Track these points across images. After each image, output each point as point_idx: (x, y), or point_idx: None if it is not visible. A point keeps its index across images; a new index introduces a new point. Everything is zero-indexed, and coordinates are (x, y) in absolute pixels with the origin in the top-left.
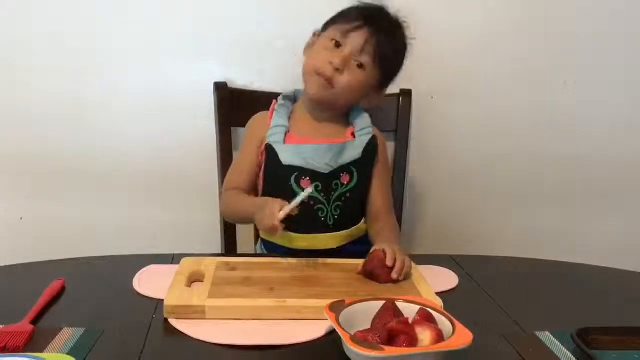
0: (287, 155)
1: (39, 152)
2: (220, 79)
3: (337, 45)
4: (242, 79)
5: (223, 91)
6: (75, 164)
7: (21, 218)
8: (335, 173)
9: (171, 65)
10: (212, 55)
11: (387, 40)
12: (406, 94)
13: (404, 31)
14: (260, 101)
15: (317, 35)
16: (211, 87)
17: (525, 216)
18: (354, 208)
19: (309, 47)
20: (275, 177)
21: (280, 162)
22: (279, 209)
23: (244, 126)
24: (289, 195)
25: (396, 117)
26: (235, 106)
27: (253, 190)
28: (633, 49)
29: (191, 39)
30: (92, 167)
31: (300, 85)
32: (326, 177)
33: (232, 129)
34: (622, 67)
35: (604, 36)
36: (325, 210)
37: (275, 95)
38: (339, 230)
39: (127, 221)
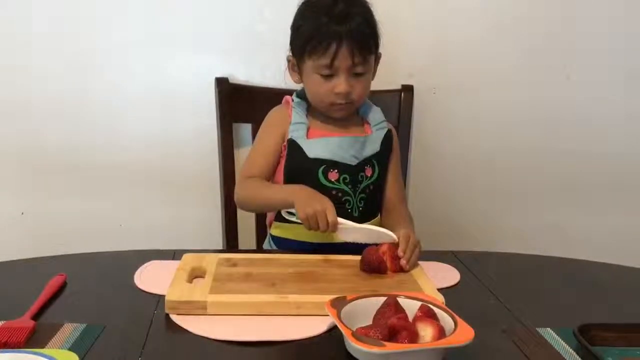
0: (313, 149)
1: (40, 148)
2: (221, 74)
3: (328, 75)
4: (243, 75)
5: (224, 86)
6: (76, 159)
7: (22, 213)
8: (361, 165)
9: (172, 60)
10: (213, 50)
11: (363, 34)
12: (408, 89)
13: (362, 3)
14: (261, 97)
15: (292, 62)
16: (212, 83)
17: (526, 212)
18: (375, 200)
19: (292, 71)
20: (300, 172)
21: (305, 155)
22: (332, 209)
23: (245, 122)
24: (316, 189)
25: (397, 112)
26: (236, 102)
27: (270, 181)
28: (633, 44)
29: (192, 34)
30: (93, 162)
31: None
32: (353, 169)
33: (234, 124)
34: (622, 65)
35: (603, 34)
36: (352, 202)
37: (276, 91)
38: (362, 223)
39: (128, 217)
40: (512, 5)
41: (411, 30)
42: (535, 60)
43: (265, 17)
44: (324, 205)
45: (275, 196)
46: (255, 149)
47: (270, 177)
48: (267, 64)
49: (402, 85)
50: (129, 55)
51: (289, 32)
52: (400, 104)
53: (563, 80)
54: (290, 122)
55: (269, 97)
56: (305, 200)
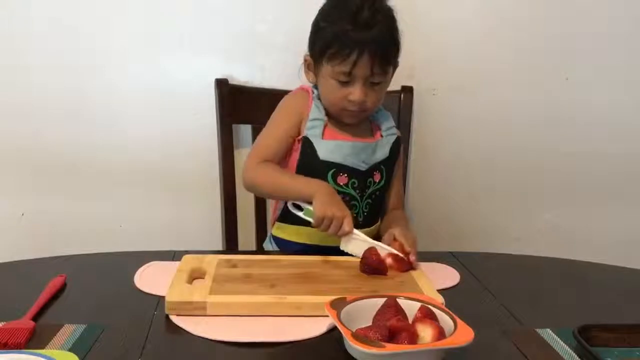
0: (325, 151)
1: (40, 150)
2: (221, 75)
3: (345, 82)
4: (243, 76)
5: (224, 88)
6: (76, 161)
7: (22, 214)
8: (370, 171)
9: (172, 61)
10: (213, 51)
11: (385, 46)
12: (407, 90)
13: (388, 11)
14: (261, 98)
15: (308, 61)
16: (212, 84)
17: (526, 212)
18: (380, 205)
19: (308, 70)
20: (311, 171)
21: (317, 156)
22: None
23: (245, 123)
24: None
25: (397, 113)
26: (236, 103)
27: (281, 166)
28: (633, 44)
29: (192, 35)
30: (93, 164)
31: (302, 80)
32: (362, 174)
33: (233, 125)
34: (622, 65)
35: (604, 34)
36: (358, 207)
37: (276, 92)
38: (366, 227)
39: (128, 218)
40: (512, 6)
41: (411, 31)
42: (535, 60)
43: (265, 18)
44: (344, 213)
45: (293, 186)
46: (270, 132)
47: (281, 163)
48: (267, 65)
49: (402, 86)
50: (129, 56)
51: (288, 32)
52: (400, 104)
53: (562, 80)
54: (308, 114)
55: (269, 98)
56: (327, 202)
